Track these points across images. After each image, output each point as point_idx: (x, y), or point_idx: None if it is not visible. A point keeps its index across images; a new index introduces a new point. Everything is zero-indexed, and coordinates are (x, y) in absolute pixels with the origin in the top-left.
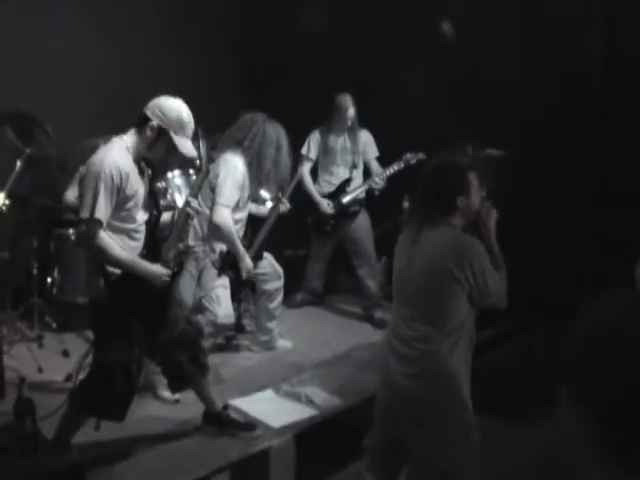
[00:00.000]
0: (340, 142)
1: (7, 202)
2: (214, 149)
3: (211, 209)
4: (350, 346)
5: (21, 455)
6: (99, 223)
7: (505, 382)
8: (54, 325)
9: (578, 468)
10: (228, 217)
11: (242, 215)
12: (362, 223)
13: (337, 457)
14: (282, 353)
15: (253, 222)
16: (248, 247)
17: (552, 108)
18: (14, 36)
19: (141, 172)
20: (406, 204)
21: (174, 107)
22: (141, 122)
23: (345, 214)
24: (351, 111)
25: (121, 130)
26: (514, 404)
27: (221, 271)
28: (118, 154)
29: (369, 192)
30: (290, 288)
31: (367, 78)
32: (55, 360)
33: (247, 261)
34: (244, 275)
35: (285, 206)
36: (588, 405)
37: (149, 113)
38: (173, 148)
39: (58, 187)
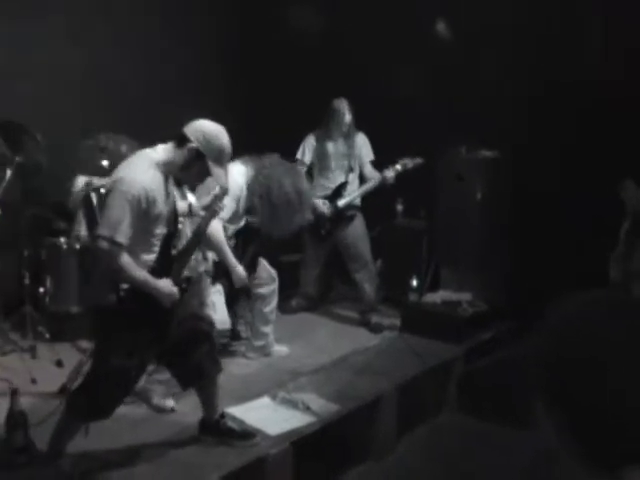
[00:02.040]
0: (336, 147)
1: None
2: None
3: None
4: (346, 351)
5: (13, 468)
6: (121, 246)
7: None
8: (47, 335)
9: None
10: (219, 228)
11: (237, 227)
12: (358, 227)
13: (335, 463)
14: (278, 359)
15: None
16: (241, 258)
17: (547, 108)
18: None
19: (167, 191)
20: (400, 207)
21: (218, 135)
22: (180, 141)
23: (341, 218)
24: (348, 117)
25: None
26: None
27: (215, 279)
28: (148, 174)
29: (366, 195)
30: (285, 294)
31: (359, 81)
32: (49, 371)
33: (239, 270)
34: (237, 285)
35: None
36: (557, 408)
37: (191, 135)
38: (207, 174)
39: (49, 195)
